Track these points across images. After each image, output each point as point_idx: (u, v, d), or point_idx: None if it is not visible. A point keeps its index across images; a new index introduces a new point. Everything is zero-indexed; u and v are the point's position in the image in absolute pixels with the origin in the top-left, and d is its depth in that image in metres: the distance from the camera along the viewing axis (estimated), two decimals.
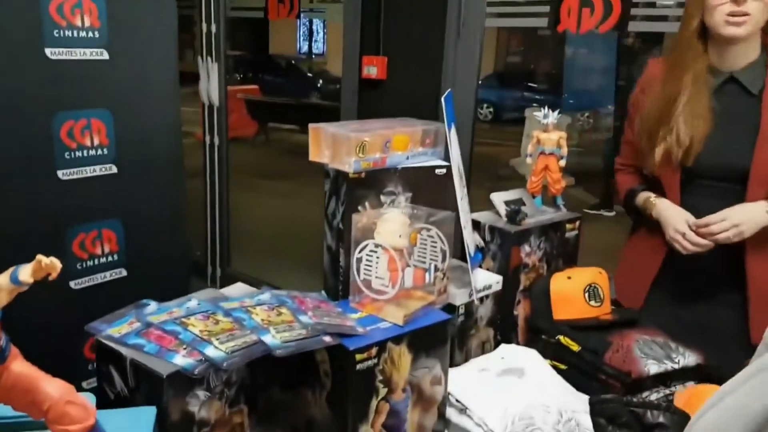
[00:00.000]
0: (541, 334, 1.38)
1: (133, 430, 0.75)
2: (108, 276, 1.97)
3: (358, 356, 0.95)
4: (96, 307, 1.03)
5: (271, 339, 0.90)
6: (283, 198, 5.50)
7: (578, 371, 1.28)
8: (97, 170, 1.93)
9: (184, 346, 0.87)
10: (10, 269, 0.61)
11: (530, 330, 1.45)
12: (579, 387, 1.22)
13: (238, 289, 1.10)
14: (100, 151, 1.93)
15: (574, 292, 1.42)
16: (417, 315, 1.06)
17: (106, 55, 1.90)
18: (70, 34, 1.81)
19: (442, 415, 1.10)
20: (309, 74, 12.32)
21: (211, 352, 0.86)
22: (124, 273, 2.02)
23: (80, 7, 1.81)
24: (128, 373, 0.86)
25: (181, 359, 0.84)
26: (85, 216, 1.89)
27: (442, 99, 1.25)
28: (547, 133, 1.54)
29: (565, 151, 1.54)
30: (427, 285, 1.13)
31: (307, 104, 8.06)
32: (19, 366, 0.67)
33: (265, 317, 0.96)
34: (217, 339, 0.88)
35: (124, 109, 1.96)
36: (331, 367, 0.99)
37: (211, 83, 3.45)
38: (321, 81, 11.47)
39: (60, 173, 1.84)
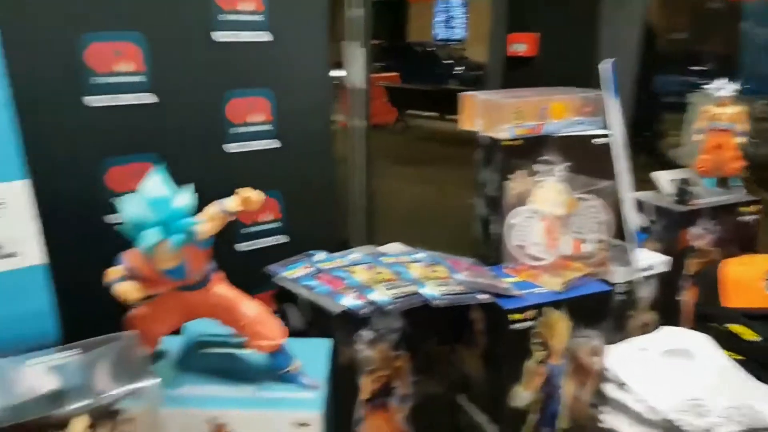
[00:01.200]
0: (710, 322, 1.33)
1: (313, 356, 0.86)
2: (270, 241, 2.18)
3: (513, 316, 0.99)
4: (257, 269, 1.16)
5: (428, 291, 0.98)
6: (422, 184, 5.63)
7: (756, 362, 1.21)
8: (262, 145, 2.14)
9: (352, 290, 0.97)
10: (218, 202, 0.74)
11: (698, 317, 1.39)
12: (758, 379, 1.16)
13: (394, 247, 1.19)
14: (265, 127, 2.14)
15: (752, 279, 1.34)
16: (575, 283, 1.08)
17: (270, 37, 2.09)
18: (235, 18, 2.03)
19: (599, 389, 1.11)
20: (447, 61, 12.30)
21: (375, 296, 0.95)
22: (286, 239, 2.22)
23: None
24: (304, 310, 0.98)
25: (350, 300, 0.94)
26: (251, 186, 2.10)
27: (604, 66, 1.24)
28: (722, 107, 1.46)
29: (744, 127, 1.45)
30: (586, 255, 1.14)
31: (446, 90, 8.12)
32: (222, 289, 0.81)
33: (421, 272, 1.04)
34: (381, 286, 0.97)
35: (286, 88, 2.15)
36: (485, 326, 1.04)
37: (355, 68, 3.62)
38: (459, 67, 11.37)
39: (227, 147, 2.07)
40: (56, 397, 0.56)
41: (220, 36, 2.03)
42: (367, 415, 0.99)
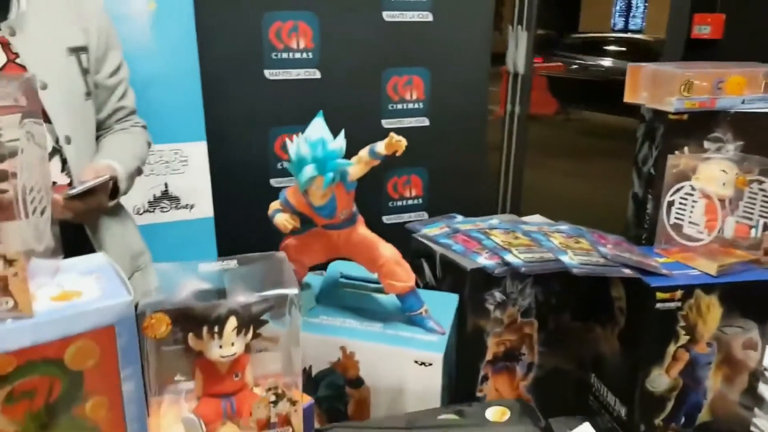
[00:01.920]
0: None
1: (440, 308, 0.90)
2: (412, 217, 2.26)
3: (660, 295, 0.95)
4: (401, 241, 1.22)
5: (568, 259, 0.97)
6: (575, 177, 5.39)
7: None
8: (413, 122, 2.22)
9: (486, 251, 0.99)
10: (369, 146, 0.80)
11: None
12: None
13: (536, 218, 1.18)
14: (417, 105, 2.22)
15: None
16: (734, 269, 1.00)
17: (431, 18, 2.16)
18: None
19: (752, 388, 1.02)
20: (622, 50, 11.63)
21: (510, 258, 0.96)
22: (426, 216, 2.30)
23: None
24: (437, 266, 1.02)
25: (483, 260, 0.96)
26: (400, 162, 2.20)
27: None
28: None
29: None
30: (751, 242, 1.05)
31: (615, 81, 7.66)
32: (364, 230, 0.87)
33: (562, 241, 1.03)
34: (517, 249, 0.98)
35: (441, 68, 2.20)
36: (627, 304, 1.00)
37: (518, 51, 3.57)
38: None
39: (384, 122, 2.18)
40: (213, 296, 0.66)
41: (388, 16, 2.15)
42: (491, 375, 1.01)
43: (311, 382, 0.89)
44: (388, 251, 0.85)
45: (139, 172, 1.25)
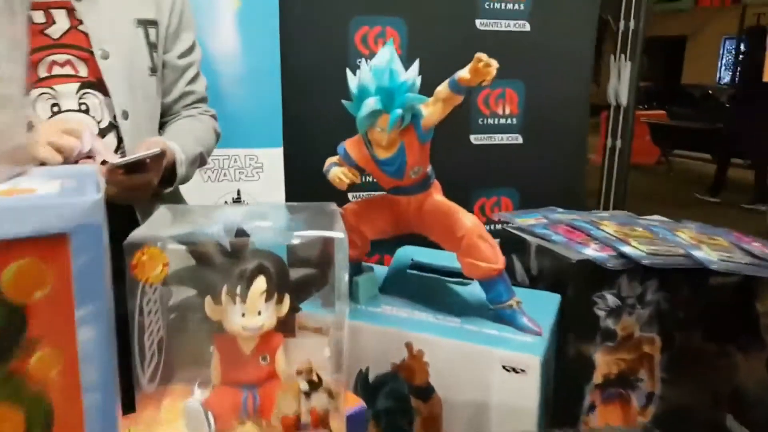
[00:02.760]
0: None
1: (536, 310, 0.70)
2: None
3: None
4: None
5: (703, 254, 0.75)
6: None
7: None
8: (504, 138, 2.05)
9: (596, 242, 0.79)
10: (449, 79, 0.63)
11: None
12: None
13: (656, 218, 0.97)
14: (509, 120, 2.05)
15: None
16: None
17: (527, 27, 2.01)
18: (499, 7, 1.98)
19: None
20: (727, 105, 11.08)
21: (628, 249, 0.76)
22: None
23: None
24: (531, 261, 0.83)
25: (592, 251, 0.77)
26: (489, 181, 2.02)
27: None
28: None
29: None
30: None
31: (728, 128, 7.09)
32: (440, 196, 0.70)
33: (693, 236, 0.81)
34: (636, 240, 0.77)
35: (537, 82, 2.03)
36: None
37: (621, 82, 3.33)
38: None
39: (472, 138, 2.02)
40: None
41: (480, 24, 2.02)
42: (599, 404, 0.79)
43: (367, 388, 0.71)
44: (469, 221, 0.67)
45: (202, 161, 1.15)
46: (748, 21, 12.11)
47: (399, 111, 0.60)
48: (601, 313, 0.77)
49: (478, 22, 1.98)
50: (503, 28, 2.00)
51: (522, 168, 2.03)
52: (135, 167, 0.90)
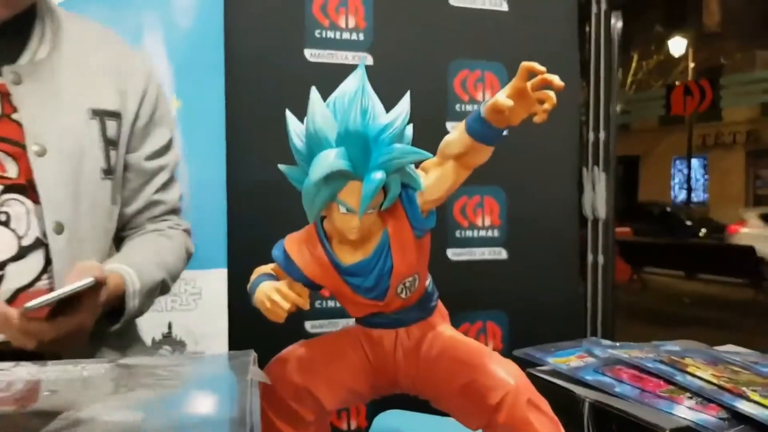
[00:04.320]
0: None
1: None
2: None
3: None
4: None
5: None
6: None
7: None
8: (486, 253, 1.80)
9: (689, 396, 0.51)
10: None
11: None
12: None
13: (734, 347, 0.70)
14: (490, 233, 1.82)
15: None
16: None
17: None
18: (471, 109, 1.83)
19: None
20: (688, 222, 11.51)
21: (746, 406, 0.47)
22: None
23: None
24: (586, 425, 0.54)
25: (689, 411, 0.48)
26: (472, 304, 1.74)
27: None
28: None
29: None
30: None
31: (693, 245, 7.10)
32: (450, 329, 0.42)
33: None
34: (752, 390, 0.49)
35: (519, 188, 1.84)
36: None
37: (597, 195, 3.21)
38: (703, 230, 10.62)
39: (450, 252, 1.77)
40: None
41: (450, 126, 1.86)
42: None
43: None
44: (510, 377, 0.38)
45: (164, 288, 0.89)
46: (695, 141, 12.83)
47: (379, 175, 0.34)
48: None
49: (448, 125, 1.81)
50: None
51: (509, 286, 1.77)
52: (61, 307, 0.64)
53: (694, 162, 13.60)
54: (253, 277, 0.40)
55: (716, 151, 13.41)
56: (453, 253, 1.77)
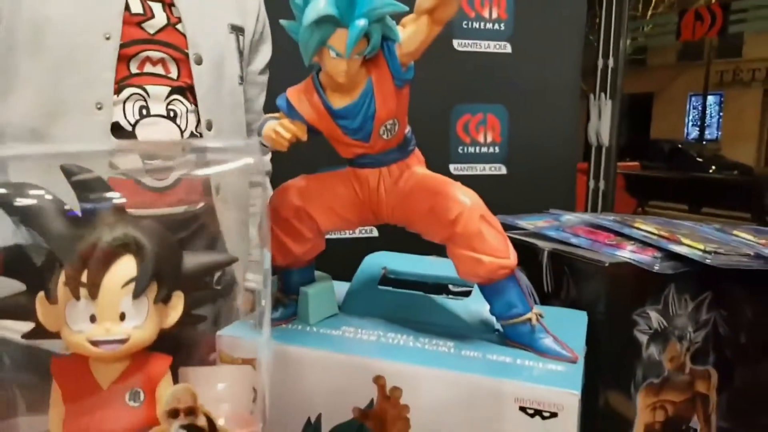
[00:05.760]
0: None
1: (560, 331, 0.49)
2: None
3: None
4: None
5: None
6: None
7: None
8: (487, 169, 1.87)
9: (632, 242, 0.60)
10: None
11: None
12: None
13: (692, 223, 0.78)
14: (492, 149, 1.88)
15: None
16: None
17: (508, 49, 1.87)
18: (478, 26, 1.85)
19: None
20: (699, 159, 11.36)
21: (680, 248, 0.56)
22: None
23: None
24: (546, 272, 0.63)
25: (629, 253, 0.57)
26: None
27: None
28: None
29: None
30: None
31: (700, 178, 7.06)
32: (423, 169, 0.50)
33: (755, 238, 0.62)
34: (687, 239, 0.58)
35: (521, 107, 1.88)
36: None
37: (602, 122, 3.23)
38: (713, 167, 10.55)
39: (452, 167, 1.84)
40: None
41: (458, 45, 1.88)
42: None
43: None
44: (468, 198, 0.47)
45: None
46: (712, 79, 12.54)
47: (362, 22, 0.41)
48: (643, 338, 0.56)
49: (455, 42, 1.84)
50: (483, 50, 1.86)
51: (508, 202, 1.84)
52: None
53: (710, 99, 13.34)
54: (260, 120, 0.48)
55: (733, 89, 13.11)
56: (455, 168, 1.84)
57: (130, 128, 0.75)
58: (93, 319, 0.30)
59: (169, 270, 0.32)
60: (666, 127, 13.46)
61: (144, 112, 0.78)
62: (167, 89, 0.80)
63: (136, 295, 0.31)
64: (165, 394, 0.31)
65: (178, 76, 0.81)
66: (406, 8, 0.43)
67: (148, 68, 0.79)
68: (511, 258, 0.47)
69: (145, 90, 0.78)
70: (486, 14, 1.86)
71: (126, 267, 0.31)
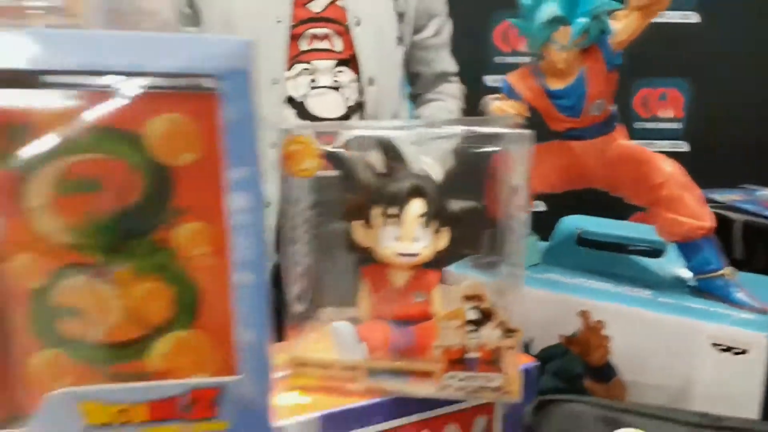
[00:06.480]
0: None
1: (754, 292, 0.55)
2: None
3: None
4: None
5: None
6: None
7: None
8: (667, 146, 1.83)
9: None
10: None
11: None
12: None
13: None
14: (673, 125, 1.83)
15: None
16: None
17: (695, 19, 1.80)
18: None
19: None
20: None
21: None
22: None
23: None
24: (736, 243, 0.68)
25: None
26: None
27: None
28: None
29: None
30: None
31: None
32: (626, 140, 0.58)
33: None
34: None
35: (707, 81, 1.80)
36: None
37: None
38: None
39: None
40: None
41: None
42: None
43: None
44: (669, 166, 0.54)
45: None
46: None
47: (584, 19, 0.50)
48: None
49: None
50: (665, 20, 1.80)
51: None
52: None
53: None
54: (482, 102, 0.59)
55: None
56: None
57: (300, 100, 0.86)
58: (397, 239, 0.44)
59: (442, 212, 0.45)
60: None
61: (312, 84, 0.88)
62: (333, 62, 0.88)
63: (426, 224, 0.44)
64: (439, 297, 0.45)
65: (343, 48, 0.88)
66: (620, 5, 0.51)
67: (315, 44, 0.88)
68: (709, 220, 0.53)
69: (311, 64, 0.87)
70: None
71: (418, 205, 0.44)
